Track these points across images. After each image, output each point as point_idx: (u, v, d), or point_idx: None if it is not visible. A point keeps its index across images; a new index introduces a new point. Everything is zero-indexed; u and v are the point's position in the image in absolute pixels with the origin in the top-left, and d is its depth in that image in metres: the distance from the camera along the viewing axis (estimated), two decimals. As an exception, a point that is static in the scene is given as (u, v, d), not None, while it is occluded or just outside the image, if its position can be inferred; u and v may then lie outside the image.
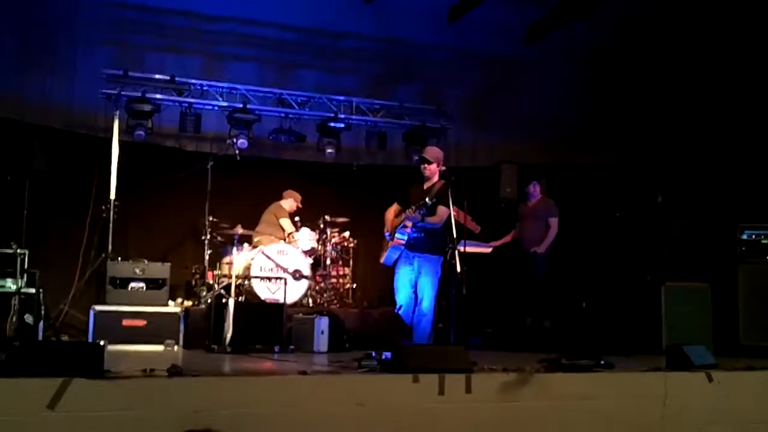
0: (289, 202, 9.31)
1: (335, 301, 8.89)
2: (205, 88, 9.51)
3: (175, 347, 7.26)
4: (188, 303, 8.26)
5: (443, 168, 6.95)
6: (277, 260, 8.31)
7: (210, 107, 9.57)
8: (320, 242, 9.04)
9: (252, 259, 8.32)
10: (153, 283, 7.87)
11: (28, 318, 6.91)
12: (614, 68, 10.21)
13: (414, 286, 6.93)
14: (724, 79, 8.99)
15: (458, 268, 6.26)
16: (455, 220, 6.46)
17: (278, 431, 4.35)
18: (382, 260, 7.09)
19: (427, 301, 6.86)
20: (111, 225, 8.61)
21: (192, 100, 9.42)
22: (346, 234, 9.27)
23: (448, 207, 6.48)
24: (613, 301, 7.96)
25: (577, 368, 5.01)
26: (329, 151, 9.94)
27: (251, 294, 8.13)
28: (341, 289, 9.17)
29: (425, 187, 6.92)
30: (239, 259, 8.48)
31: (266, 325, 6.97)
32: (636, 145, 9.84)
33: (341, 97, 10.02)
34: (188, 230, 9.24)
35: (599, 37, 10.14)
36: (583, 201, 9.44)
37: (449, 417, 4.59)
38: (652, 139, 9.66)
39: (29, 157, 8.43)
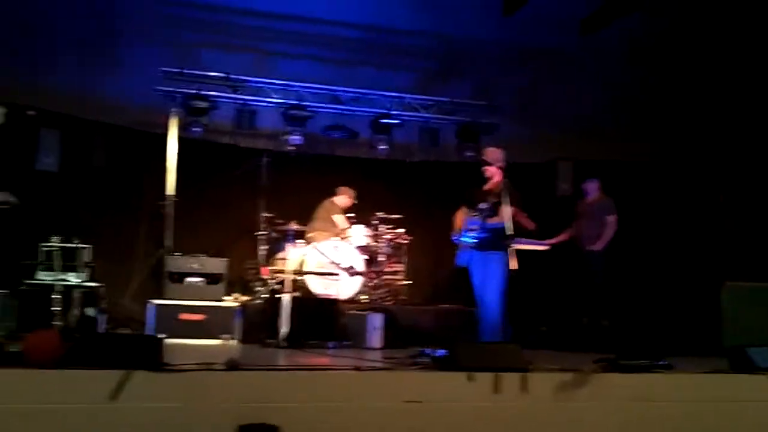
0: (343, 199, 9.33)
1: (389, 298, 8.89)
2: (260, 85, 9.61)
3: (232, 342, 7.34)
4: (244, 298, 8.34)
5: (503, 167, 6.87)
6: (331, 256, 8.34)
7: (265, 104, 9.67)
8: (374, 238, 9.04)
9: (306, 255, 8.36)
10: (210, 278, 7.97)
11: (90, 311, 7.07)
12: (670, 62, 9.96)
13: (487, 284, 6.86)
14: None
15: (513, 266, 6.20)
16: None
17: (332, 426, 4.37)
18: (456, 262, 7.06)
19: (497, 299, 6.79)
20: (169, 220, 8.74)
21: (247, 97, 9.53)
22: (400, 230, 9.25)
23: (510, 206, 6.41)
24: (671, 300, 7.79)
25: (634, 369, 4.91)
26: (382, 147, 9.96)
27: (305, 290, 8.18)
28: (395, 286, 9.16)
29: (487, 188, 6.84)
30: (293, 255, 8.52)
31: (321, 321, 7.03)
32: (695, 141, 9.59)
33: (394, 94, 10.02)
34: (243, 226, 9.32)
35: (654, 29, 9.91)
36: (641, 198, 9.26)
37: (504, 416, 4.55)
38: (712, 136, 9.41)
39: (89, 153, 8.65)
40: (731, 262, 8.06)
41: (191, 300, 7.67)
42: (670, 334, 6.91)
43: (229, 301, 7.96)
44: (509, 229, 6.14)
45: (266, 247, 8.51)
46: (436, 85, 10.58)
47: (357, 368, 4.66)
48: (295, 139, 9.26)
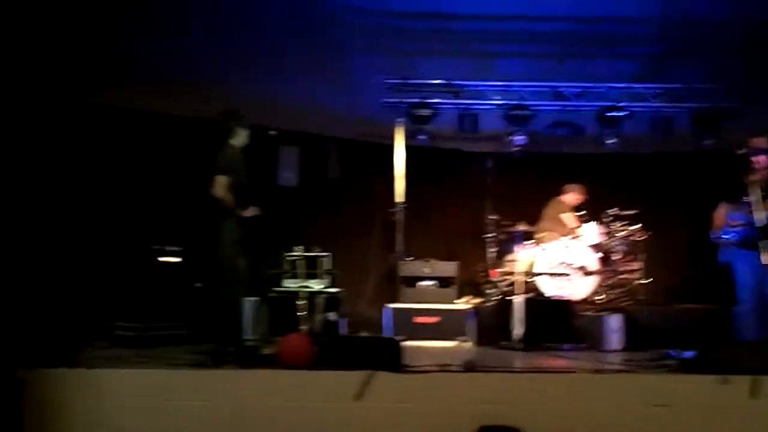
0: (571, 196, 9.09)
1: (626, 298, 8.51)
2: (480, 88, 9.62)
3: (466, 344, 7.41)
4: (476, 300, 8.39)
5: None
6: (563, 256, 8.15)
7: (486, 107, 9.66)
8: (607, 236, 8.71)
9: (536, 256, 8.24)
10: (441, 282, 8.14)
11: (331, 315, 7.47)
12: None
13: (749, 283, 6.37)
14: None
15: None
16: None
17: (573, 429, 4.25)
18: (718, 259, 6.64)
19: (762, 298, 6.28)
20: (399, 226, 9.00)
21: (468, 101, 9.58)
22: (635, 227, 8.82)
23: None
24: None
25: None
26: (610, 141, 9.56)
27: (537, 291, 8.08)
28: (632, 285, 8.74)
29: (750, 180, 6.31)
30: (523, 256, 8.44)
31: (555, 323, 6.92)
32: None
33: (620, 84, 9.58)
34: (471, 229, 9.38)
35: None
36: None
37: (763, 423, 4.18)
38: None
39: (325, 167, 9.16)
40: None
41: (425, 303, 7.86)
42: None
43: (462, 304, 8.05)
44: None
45: (495, 249, 8.50)
46: (665, 71, 9.97)
47: (598, 371, 4.50)
48: (519, 139, 9.17)
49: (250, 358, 4.99)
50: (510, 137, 9.12)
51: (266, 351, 5.24)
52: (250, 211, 5.84)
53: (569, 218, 8.86)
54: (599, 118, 9.60)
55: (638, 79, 9.66)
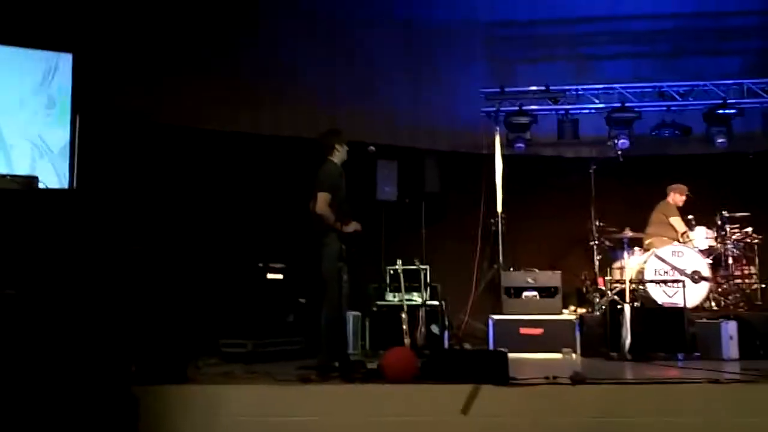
0: (675, 197, 8.78)
1: (742, 304, 8.12)
2: (579, 92, 9.44)
3: (573, 355, 7.25)
4: (582, 310, 8.20)
5: None
6: (673, 262, 7.87)
7: (587, 111, 9.47)
8: (719, 240, 8.34)
9: (645, 262, 8.00)
10: (545, 292, 8.02)
11: (435, 328, 7.46)
12: None
13: None
14: None
15: None
16: None
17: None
18: None
19: None
20: (501, 236, 8.91)
21: (568, 106, 9.42)
22: (749, 229, 8.41)
23: None
24: None
25: None
26: (720, 140, 9.18)
27: (647, 299, 7.81)
28: (748, 290, 8.33)
29: None
30: (631, 263, 8.20)
31: (666, 331, 6.70)
32: None
33: (729, 81, 9.21)
34: (574, 237, 9.18)
35: None
36: None
37: None
38: None
39: (423, 180, 9.17)
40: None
41: (529, 314, 7.76)
42: None
43: (567, 314, 7.89)
44: None
45: (600, 256, 8.28)
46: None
47: (715, 381, 4.30)
48: (623, 143, 8.92)
49: (354, 373, 5.03)
50: (612, 141, 8.89)
51: (370, 365, 5.27)
52: (352, 226, 5.91)
53: (678, 222, 8.55)
54: (707, 116, 9.24)
55: (746, 75, 9.28)
